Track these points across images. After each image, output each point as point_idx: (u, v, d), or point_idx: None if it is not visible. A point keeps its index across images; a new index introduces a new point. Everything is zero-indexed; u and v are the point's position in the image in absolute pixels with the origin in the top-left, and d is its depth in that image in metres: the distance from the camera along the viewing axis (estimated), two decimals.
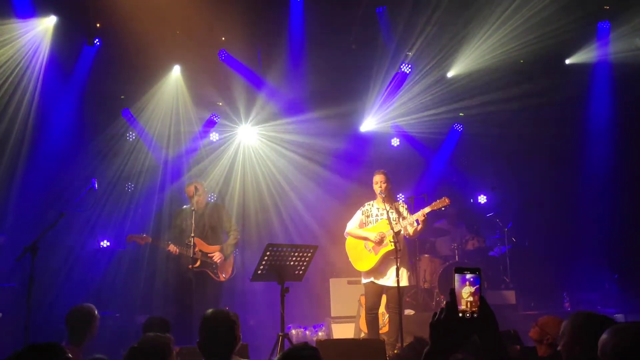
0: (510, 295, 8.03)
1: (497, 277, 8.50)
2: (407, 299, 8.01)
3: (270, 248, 5.05)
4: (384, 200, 6.14)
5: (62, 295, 7.14)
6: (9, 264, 6.72)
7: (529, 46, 8.63)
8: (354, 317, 7.45)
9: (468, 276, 1.51)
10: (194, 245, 6.12)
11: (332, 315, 7.64)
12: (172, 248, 6.46)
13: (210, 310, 3.33)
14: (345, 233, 6.25)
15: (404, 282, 5.84)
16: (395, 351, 5.48)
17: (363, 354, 4.82)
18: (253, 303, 8.38)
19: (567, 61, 9.25)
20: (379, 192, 6.10)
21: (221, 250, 6.69)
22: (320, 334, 7.59)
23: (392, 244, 5.66)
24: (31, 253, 4.94)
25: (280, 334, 5.05)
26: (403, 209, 6.23)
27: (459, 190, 9.86)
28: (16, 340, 5.90)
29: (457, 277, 1.52)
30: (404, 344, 5.35)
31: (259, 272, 5.10)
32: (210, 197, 9.08)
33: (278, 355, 2.50)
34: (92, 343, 4.22)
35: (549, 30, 8.38)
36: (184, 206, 6.94)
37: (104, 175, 8.40)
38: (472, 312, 1.49)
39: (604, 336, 2.09)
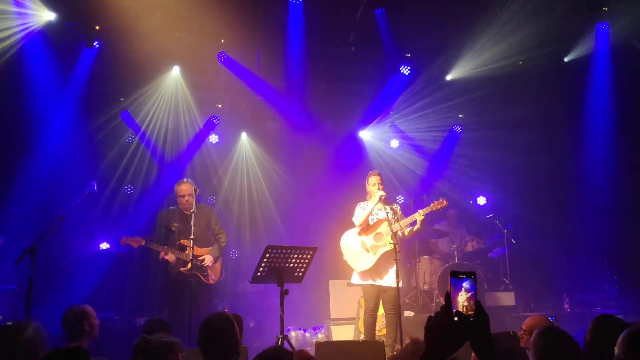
0: (510, 297, 8.03)
1: (496, 279, 8.50)
2: (407, 300, 8.01)
3: (269, 250, 5.02)
4: (383, 201, 6.01)
5: (61, 298, 7.11)
6: (8, 267, 6.70)
7: (528, 47, 8.65)
8: (353, 319, 7.44)
9: (463, 280, 1.50)
10: (192, 247, 6.04)
11: (332, 317, 7.64)
12: (170, 257, 6.36)
13: (211, 314, 3.33)
14: (357, 224, 6.01)
15: (400, 284, 5.81)
16: (394, 353, 5.48)
17: (362, 356, 4.82)
18: (252, 305, 8.36)
19: (566, 59, 9.26)
20: (378, 193, 5.96)
21: (210, 253, 6.64)
22: (320, 336, 7.57)
23: (391, 244, 5.67)
24: (30, 255, 4.93)
25: (279, 336, 5.03)
26: (398, 209, 6.17)
27: (459, 191, 9.87)
28: None
29: (452, 280, 1.51)
30: (403, 346, 5.35)
31: (259, 274, 5.08)
32: (209, 199, 9.09)
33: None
34: (91, 345, 4.21)
35: (548, 32, 8.40)
36: (171, 207, 6.87)
37: (103, 177, 8.39)
38: (468, 316, 1.47)
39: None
